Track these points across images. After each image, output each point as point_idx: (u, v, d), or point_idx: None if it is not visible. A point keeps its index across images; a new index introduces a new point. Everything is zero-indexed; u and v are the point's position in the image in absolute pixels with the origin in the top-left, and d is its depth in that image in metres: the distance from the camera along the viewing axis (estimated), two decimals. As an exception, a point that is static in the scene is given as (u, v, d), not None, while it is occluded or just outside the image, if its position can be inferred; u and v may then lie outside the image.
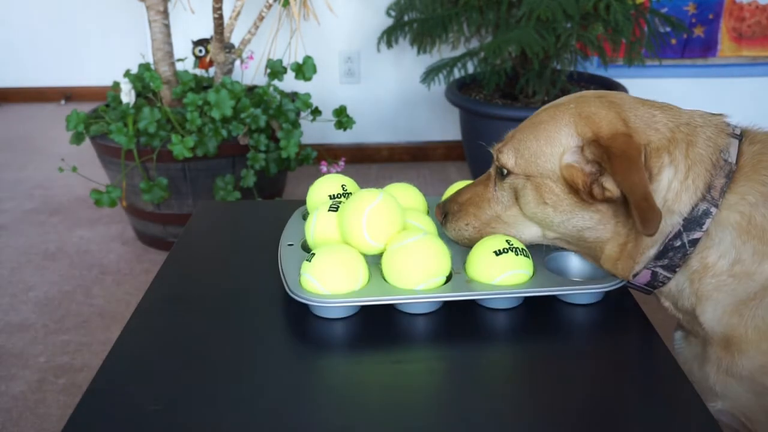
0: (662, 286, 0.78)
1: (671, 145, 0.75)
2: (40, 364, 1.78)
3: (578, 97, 0.82)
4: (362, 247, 0.78)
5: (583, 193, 0.75)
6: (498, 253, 0.76)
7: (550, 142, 0.77)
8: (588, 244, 0.78)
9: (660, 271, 0.76)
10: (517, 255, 0.77)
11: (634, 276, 0.78)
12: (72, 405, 1.56)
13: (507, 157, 0.80)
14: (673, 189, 0.74)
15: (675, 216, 0.74)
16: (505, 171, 0.80)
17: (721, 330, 0.75)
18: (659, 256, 0.76)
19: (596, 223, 0.77)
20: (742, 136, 0.78)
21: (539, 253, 0.83)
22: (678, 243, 0.74)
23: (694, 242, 0.74)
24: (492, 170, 0.84)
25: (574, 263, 0.84)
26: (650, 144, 0.75)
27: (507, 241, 0.78)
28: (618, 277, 0.78)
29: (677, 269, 0.76)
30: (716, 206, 0.73)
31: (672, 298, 0.79)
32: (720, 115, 0.80)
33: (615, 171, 0.71)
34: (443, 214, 0.85)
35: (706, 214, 0.73)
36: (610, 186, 0.73)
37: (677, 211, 0.74)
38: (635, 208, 0.69)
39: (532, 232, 0.81)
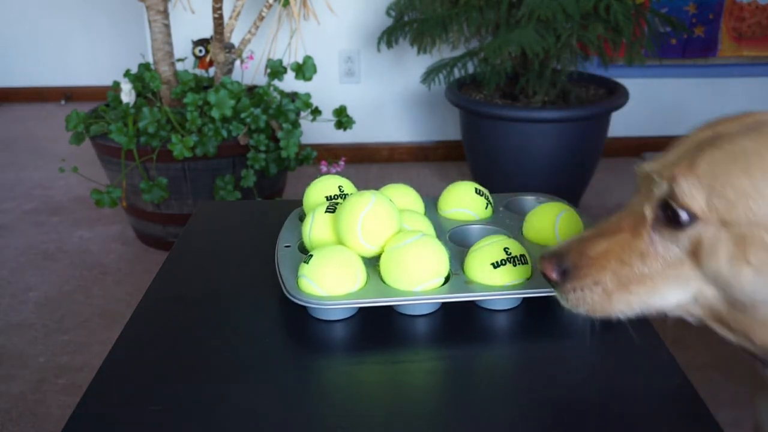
0: None
1: None
2: (40, 364, 1.78)
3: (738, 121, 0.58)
4: (359, 251, 0.78)
5: None
6: (496, 265, 0.76)
7: None
8: (754, 321, 0.58)
9: None
10: (516, 266, 0.76)
11: None
12: (72, 405, 1.56)
13: (694, 195, 0.55)
14: None
15: None
16: (686, 215, 0.56)
17: None
18: None
19: None
20: None
21: (537, 253, 0.82)
22: None
23: None
24: (647, 210, 0.59)
25: (573, 264, 0.84)
26: None
27: (505, 249, 0.77)
28: None
29: None
30: None
31: None
32: None
33: None
34: (562, 271, 0.62)
35: None
36: None
37: None
38: None
39: (684, 299, 0.59)
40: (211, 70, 2.52)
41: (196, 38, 2.46)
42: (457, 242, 0.87)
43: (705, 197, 0.55)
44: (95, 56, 4.17)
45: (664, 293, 0.59)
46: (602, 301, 0.60)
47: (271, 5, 2.34)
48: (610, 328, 0.78)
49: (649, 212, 0.59)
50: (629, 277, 0.59)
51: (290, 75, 2.35)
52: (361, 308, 0.77)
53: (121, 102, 2.25)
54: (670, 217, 0.57)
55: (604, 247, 0.61)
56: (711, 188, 0.55)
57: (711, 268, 0.56)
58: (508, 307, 0.79)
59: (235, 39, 2.49)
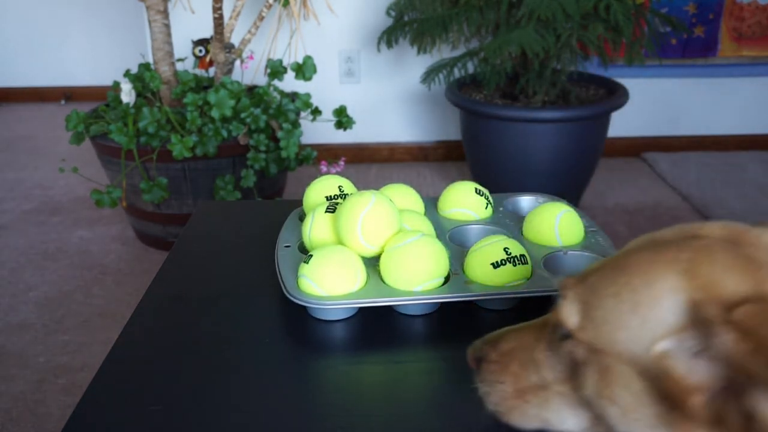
0: None
1: None
2: (40, 364, 1.78)
3: (694, 238, 0.47)
4: (359, 251, 0.78)
5: (686, 408, 0.43)
6: (496, 265, 0.76)
7: (639, 312, 0.45)
8: None
9: None
10: (516, 266, 0.77)
11: None
12: (72, 405, 1.56)
13: (570, 310, 0.49)
14: None
15: None
16: (565, 330, 0.50)
17: None
18: None
19: None
20: None
21: (537, 253, 0.83)
22: None
23: None
24: (552, 316, 0.53)
25: (572, 263, 0.84)
26: None
27: (505, 249, 0.77)
28: None
29: None
30: None
31: None
32: None
33: (757, 371, 0.39)
34: (477, 359, 0.57)
35: None
36: (764, 405, 0.39)
37: None
38: None
39: (580, 424, 0.50)
40: (211, 70, 2.52)
41: (196, 38, 2.46)
42: (457, 242, 0.87)
43: (579, 316, 0.49)
44: (95, 56, 4.17)
45: (559, 412, 0.52)
46: (506, 403, 0.54)
47: (271, 5, 2.34)
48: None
49: (553, 319, 0.53)
50: (530, 384, 0.53)
51: (290, 75, 2.36)
52: (361, 308, 0.77)
53: (121, 102, 2.25)
54: (558, 328, 0.51)
55: (512, 346, 0.55)
56: (586, 305, 0.49)
57: (585, 396, 0.49)
58: (508, 307, 0.79)
59: (235, 39, 2.49)
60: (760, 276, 0.43)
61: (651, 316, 0.45)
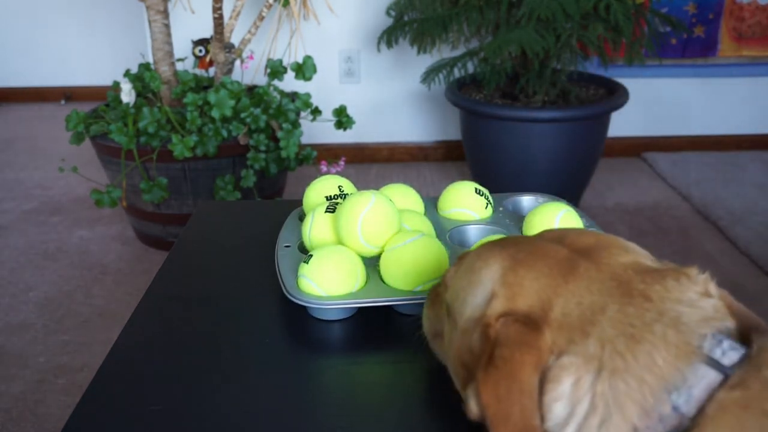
0: None
1: (586, 365, 0.46)
2: (40, 364, 1.78)
3: (533, 236, 0.58)
4: (359, 251, 0.78)
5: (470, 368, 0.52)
6: None
7: (468, 288, 0.55)
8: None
9: None
10: None
11: None
12: (72, 405, 1.56)
13: (449, 275, 0.60)
14: None
15: None
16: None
17: None
18: None
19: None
20: (730, 366, 0.43)
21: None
22: None
23: None
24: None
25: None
26: (562, 353, 0.46)
27: None
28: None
29: None
30: None
31: None
32: (712, 300, 0.47)
33: (483, 378, 0.47)
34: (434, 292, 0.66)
35: None
36: (472, 403, 0.49)
37: None
38: None
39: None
40: (211, 70, 2.52)
41: (196, 38, 2.46)
42: (457, 242, 0.87)
43: (449, 282, 0.59)
44: (95, 56, 4.17)
45: (441, 356, 0.64)
46: (428, 330, 0.65)
47: (271, 5, 2.34)
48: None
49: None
50: (436, 327, 0.63)
51: (290, 75, 2.36)
52: (360, 308, 0.77)
53: (121, 102, 2.25)
54: None
55: (439, 291, 0.64)
56: (454, 276, 0.58)
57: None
58: (508, 307, 0.79)
59: (235, 39, 2.49)
60: (556, 279, 0.50)
61: (471, 294, 0.54)
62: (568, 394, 0.46)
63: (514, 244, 0.56)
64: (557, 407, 0.46)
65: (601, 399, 0.44)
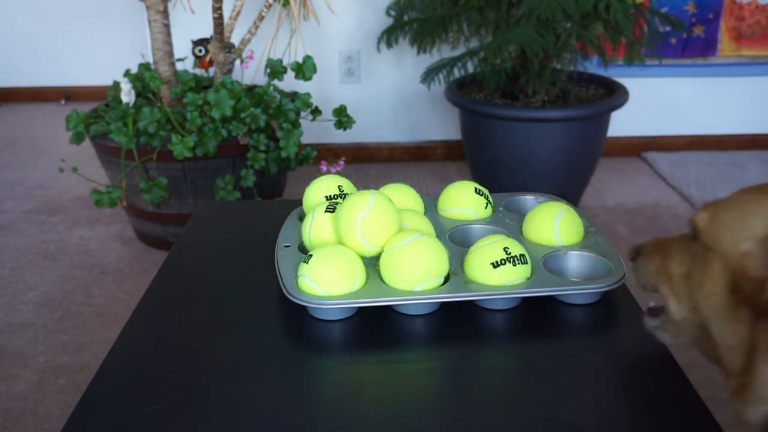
0: None
1: None
2: (40, 364, 1.78)
3: None
4: (359, 251, 0.78)
5: (746, 295, 0.60)
6: (495, 265, 0.76)
7: (743, 219, 0.62)
8: (716, 352, 0.65)
9: None
10: (515, 265, 0.77)
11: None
12: (72, 405, 1.56)
13: (702, 217, 0.68)
14: None
15: None
16: (695, 232, 0.68)
17: None
18: None
19: (731, 340, 0.62)
20: None
21: (537, 253, 0.83)
22: None
23: None
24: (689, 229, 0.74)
25: (572, 263, 0.84)
26: None
27: (505, 249, 0.77)
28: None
29: None
30: None
31: None
32: None
33: None
34: (635, 251, 0.77)
35: None
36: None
37: None
38: None
39: (683, 310, 0.68)
40: (211, 70, 2.52)
41: (196, 38, 2.46)
42: (457, 242, 0.87)
43: (708, 221, 0.66)
44: (95, 56, 4.17)
45: (676, 297, 0.69)
46: (646, 279, 0.74)
47: (271, 5, 2.34)
48: (608, 328, 0.79)
49: (690, 228, 0.71)
50: (665, 269, 0.71)
51: (290, 75, 2.35)
52: (360, 308, 0.77)
53: (121, 102, 2.25)
54: (693, 231, 0.69)
55: (661, 241, 0.75)
56: (713, 215, 0.66)
57: (690, 284, 0.67)
58: (508, 307, 0.79)
59: (235, 39, 2.49)
60: None
61: (748, 222, 0.61)
62: None
63: None
64: None
65: None
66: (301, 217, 0.93)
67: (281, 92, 2.30)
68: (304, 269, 0.75)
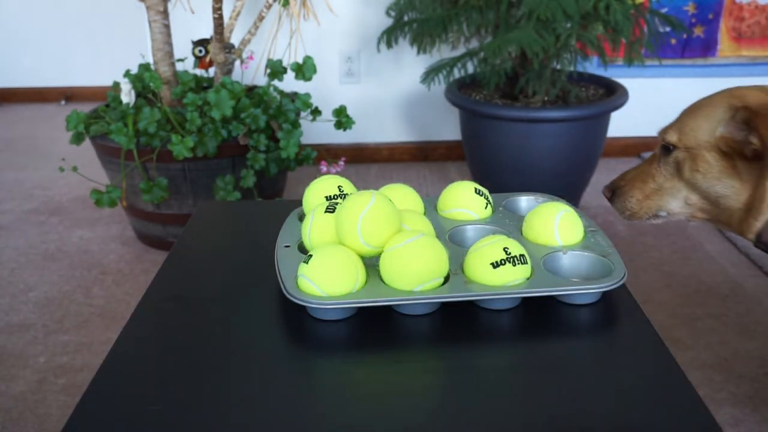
0: None
1: None
2: (40, 364, 1.78)
3: (734, 87, 1.03)
4: (359, 251, 0.78)
5: (734, 154, 0.94)
6: (495, 265, 0.76)
7: (708, 119, 0.98)
8: (720, 210, 0.99)
9: None
10: (515, 265, 0.76)
11: (759, 237, 0.96)
12: (72, 405, 1.56)
13: (671, 135, 1.01)
14: None
15: None
16: (671, 147, 1.02)
17: None
18: None
19: (734, 193, 0.96)
20: None
21: (537, 253, 0.83)
22: None
23: None
24: (657, 150, 1.06)
25: (572, 263, 0.84)
26: None
27: (505, 249, 0.77)
28: (746, 237, 0.97)
29: None
30: None
31: None
32: None
33: (757, 125, 0.90)
34: (611, 191, 1.07)
35: None
36: (755, 140, 0.91)
37: None
38: None
39: (678, 204, 1.04)
40: (211, 70, 2.52)
41: (196, 38, 2.46)
42: (457, 242, 0.87)
43: (677, 135, 1.02)
44: (95, 56, 4.17)
45: (668, 199, 1.04)
46: (635, 207, 1.05)
47: (271, 5, 2.34)
48: (608, 328, 0.79)
49: (657, 151, 1.04)
50: (649, 190, 1.03)
51: (290, 75, 2.36)
52: (360, 308, 0.77)
53: (121, 102, 2.25)
54: (664, 150, 1.03)
55: (634, 174, 1.07)
56: (680, 129, 1.02)
57: (684, 178, 1.01)
58: (508, 307, 0.79)
59: (235, 39, 2.49)
60: (766, 91, 0.96)
61: (713, 118, 0.99)
62: None
63: (716, 93, 1.04)
64: None
65: None
66: (301, 218, 0.93)
67: (281, 92, 2.30)
68: (304, 269, 0.75)
